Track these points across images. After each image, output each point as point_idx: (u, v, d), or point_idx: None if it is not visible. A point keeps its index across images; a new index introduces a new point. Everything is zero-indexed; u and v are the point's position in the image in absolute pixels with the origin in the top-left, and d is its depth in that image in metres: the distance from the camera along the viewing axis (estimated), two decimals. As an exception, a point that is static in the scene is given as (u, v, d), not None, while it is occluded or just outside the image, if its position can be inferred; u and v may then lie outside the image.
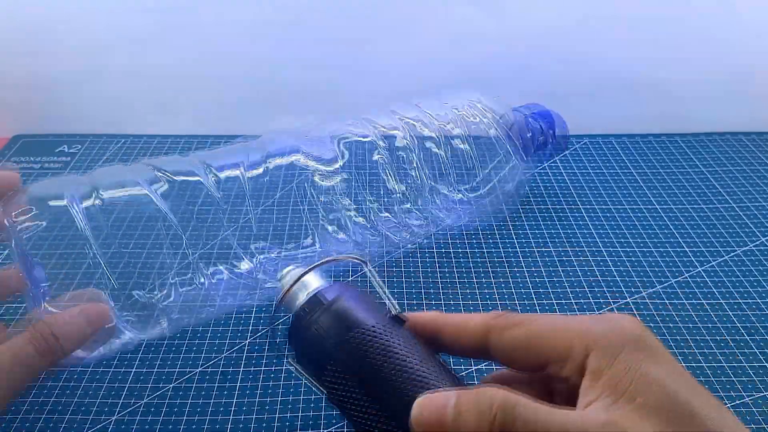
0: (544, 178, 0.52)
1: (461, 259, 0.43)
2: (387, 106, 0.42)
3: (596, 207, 0.48)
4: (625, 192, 0.50)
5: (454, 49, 0.58)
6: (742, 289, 0.40)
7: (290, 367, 0.24)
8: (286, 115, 0.59)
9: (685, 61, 0.58)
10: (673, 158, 0.55)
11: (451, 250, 0.43)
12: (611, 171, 0.53)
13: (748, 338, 0.36)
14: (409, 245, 0.42)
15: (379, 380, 0.21)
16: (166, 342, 0.36)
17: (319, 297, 0.24)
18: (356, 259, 0.26)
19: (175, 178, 0.34)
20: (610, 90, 0.59)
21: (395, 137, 0.39)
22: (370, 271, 0.26)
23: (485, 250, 0.44)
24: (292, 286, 0.24)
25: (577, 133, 0.59)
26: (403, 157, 0.38)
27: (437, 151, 0.39)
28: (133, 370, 0.35)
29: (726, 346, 0.36)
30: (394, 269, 0.42)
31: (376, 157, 0.38)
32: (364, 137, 0.39)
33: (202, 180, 0.34)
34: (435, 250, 0.43)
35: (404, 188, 0.38)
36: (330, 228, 0.36)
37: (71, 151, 0.55)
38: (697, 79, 0.58)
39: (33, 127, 0.59)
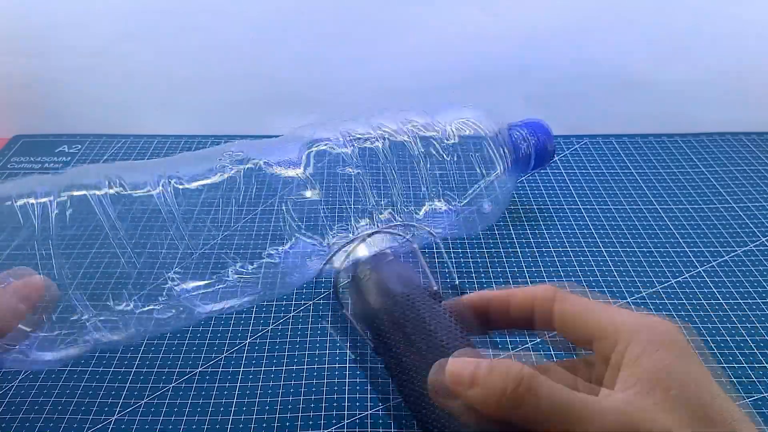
0: (544, 178, 0.52)
1: (461, 260, 0.43)
2: (372, 114, 0.42)
3: (596, 207, 0.48)
4: (625, 192, 0.50)
5: (454, 49, 0.58)
6: (742, 289, 0.40)
7: (347, 318, 0.27)
8: (286, 115, 0.59)
9: (685, 61, 0.58)
10: (673, 158, 0.55)
11: (451, 251, 0.44)
12: (611, 171, 0.53)
13: (748, 338, 0.36)
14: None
15: (418, 333, 0.24)
16: (166, 342, 0.36)
17: (380, 255, 0.28)
18: (402, 234, 0.30)
19: (129, 192, 0.33)
20: (610, 90, 0.59)
21: (373, 145, 0.39)
22: (416, 249, 0.29)
23: (485, 250, 0.44)
24: (359, 243, 0.28)
25: (577, 133, 0.59)
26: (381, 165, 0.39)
27: (417, 163, 0.39)
28: (133, 370, 0.35)
29: (726, 346, 0.36)
30: (394, 269, 0.42)
31: (350, 170, 0.38)
32: (335, 145, 0.39)
33: (153, 194, 0.33)
34: (435, 251, 0.43)
35: (379, 199, 0.38)
36: (305, 237, 0.36)
37: (71, 151, 0.55)
38: (697, 79, 0.58)
39: (33, 127, 0.59)
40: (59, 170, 0.53)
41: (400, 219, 0.38)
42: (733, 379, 0.34)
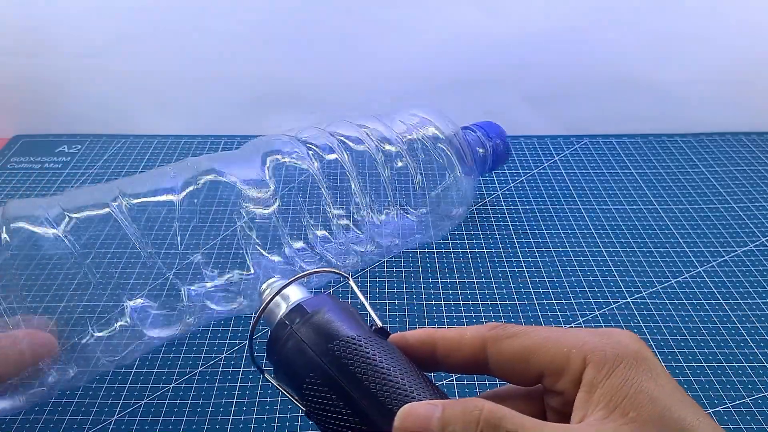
0: (544, 178, 0.52)
1: (461, 260, 0.43)
2: (324, 124, 0.41)
3: (596, 207, 0.48)
4: (625, 192, 0.50)
5: (455, 49, 0.58)
6: (742, 289, 0.40)
7: (269, 382, 0.23)
8: (286, 115, 0.59)
9: (685, 61, 0.58)
10: (673, 158, 0.55)
11: (451, 251, 0.44)
12: (611, 171, 0.53)
13: (748, 338, 0.36)
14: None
15: (360, 393, 0.20)
16: (165, 342, 0.36)
17: (301, 307, 0.23)
18: (339, 273, 0.26)
19: (78, 215, 0.31)
20: (610, 90, 0.59)
21: (330, 154, 0.38)
22: (353, 285, 0.25)
23: (485, 250, 0.44)
24: (273, 297, 0.24)
25: (577, 133, 0.59)
26: (338, 172, 0.38)
27: (379, 169, 0.38)
28: (133, 370, 0.35)
29: (726, 346, 0.36)
30: (394, 269, 0.42)
31: (310, 166, 0.37)
32: (293, 155, 0.38)
33: (112, 212, 0.32)
34: (435, 251, 0.43)
35: (340, 206, 0.37)
36: (265, 252, 0.35)
37: (71, 151, 0.55)
38: (697, 79, 0.58)
39: (33, 127, 0.59)
40: (59, 170, 0.53)
41: (359, 232, 0.37)
42: (734, 379, 0.34)
